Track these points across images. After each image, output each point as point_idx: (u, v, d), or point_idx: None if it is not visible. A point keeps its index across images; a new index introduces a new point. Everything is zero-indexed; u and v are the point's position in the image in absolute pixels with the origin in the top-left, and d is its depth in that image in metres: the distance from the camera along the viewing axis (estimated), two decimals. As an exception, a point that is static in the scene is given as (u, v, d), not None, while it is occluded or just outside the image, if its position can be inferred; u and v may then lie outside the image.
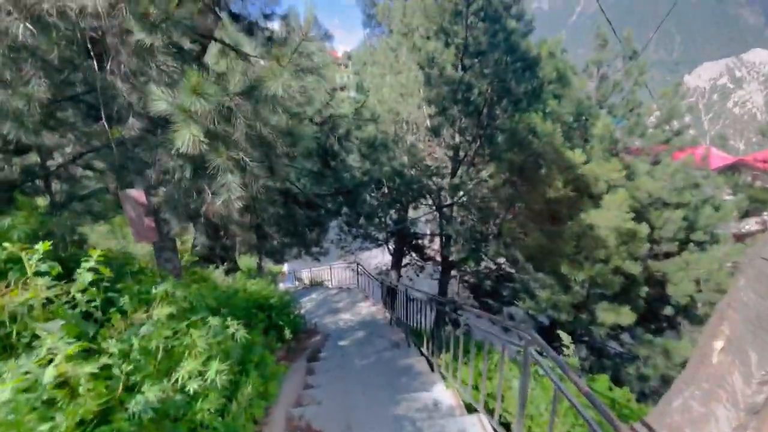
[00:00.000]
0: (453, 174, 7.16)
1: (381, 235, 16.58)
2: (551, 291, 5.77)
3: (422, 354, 5.71)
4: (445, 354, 5.10)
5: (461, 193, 6.38)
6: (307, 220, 5.19)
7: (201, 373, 2.05)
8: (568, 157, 5.07)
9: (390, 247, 14.87)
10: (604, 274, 5.36)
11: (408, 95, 8.15)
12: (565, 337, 3.73)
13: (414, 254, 15.42)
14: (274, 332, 7.03)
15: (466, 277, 13.70)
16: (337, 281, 16.76)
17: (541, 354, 2.47)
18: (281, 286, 20.78)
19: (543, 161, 5.26)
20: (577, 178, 5.43)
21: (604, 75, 7.64)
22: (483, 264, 12.40)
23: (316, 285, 18.36)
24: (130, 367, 1.88)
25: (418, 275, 15.31)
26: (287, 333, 6.54)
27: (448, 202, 7.60)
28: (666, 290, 7.28)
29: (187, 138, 1.99)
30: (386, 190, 7.53)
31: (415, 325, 6.89)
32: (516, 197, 5.68)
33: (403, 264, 14.15)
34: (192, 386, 1.85)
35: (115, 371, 1.74)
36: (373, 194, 7.01)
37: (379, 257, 18.74)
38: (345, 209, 5.27)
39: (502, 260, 12.02)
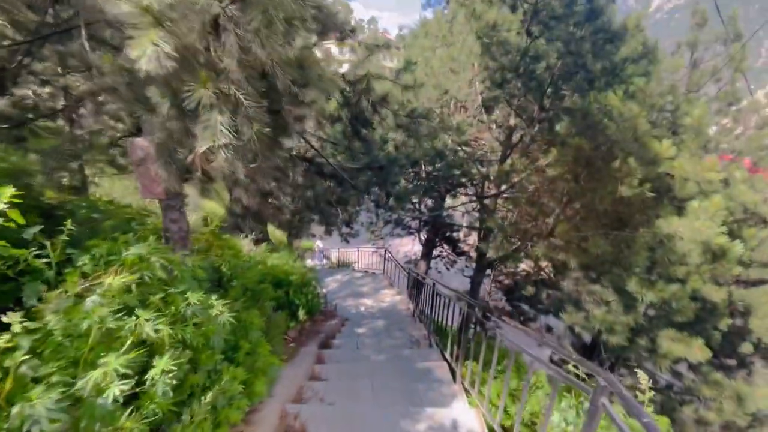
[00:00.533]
0: (502, 160, 6.28)
1: (414, 223, 15.90)
2: (607, 309, 4.85)
3: (444, 358, 5.06)
4: (471, 363, 4.43)
5: (511, 182, 5.54)
6: (330, 194, 4.62)
7: (144, 371, 1.53)
8: (654, 147, 4.08)
9: (422, 236, 14.17)
10: (681, 298, 4.37)
11: (460, 69, 7.27)
12: (644, 380, 2.92)
13: (446, 246, 14.63)
14: (289, 311, 6.66)
15: (501, 278, 12.74)
16: (364, 265, 16.36)
17: (613, 396, 1.73)
18: (309, 262, 20.84)
19: (618, 151, 4.30)
20: (658, 177, 4.43)
21: (698, 60, 6.34)
22: (521, 265, 11.42)
23: (343, 266, 18.11)
24: (47, 352, 1.38)
25: (448, 269, 14.53)
26: (301, 313, 6.12)
27: (493, 192, 6.72)
28: (747, 323, 6.07)
29: (149, 50, 1.44)
30: (424, 173, 6.80)
31: (439, 320, 6.24)
32: (577, 193, 4.77)
33: (433, 255, 13.43)
34: (112, 391, 1.31)
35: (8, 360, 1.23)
36: (408, 175, 6.30)
37: (409, 246, 18.11)
38: (374, 188, 4.62)
39: (544, 263, 10.98)
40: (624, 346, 5.10)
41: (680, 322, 4.73)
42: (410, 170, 6.45)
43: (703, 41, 6.20)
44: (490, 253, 5.49)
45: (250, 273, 5.30)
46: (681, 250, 4.31)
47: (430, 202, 8.21)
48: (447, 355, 5.05)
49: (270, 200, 12.98)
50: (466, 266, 14.47)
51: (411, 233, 15.66)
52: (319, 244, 22.76)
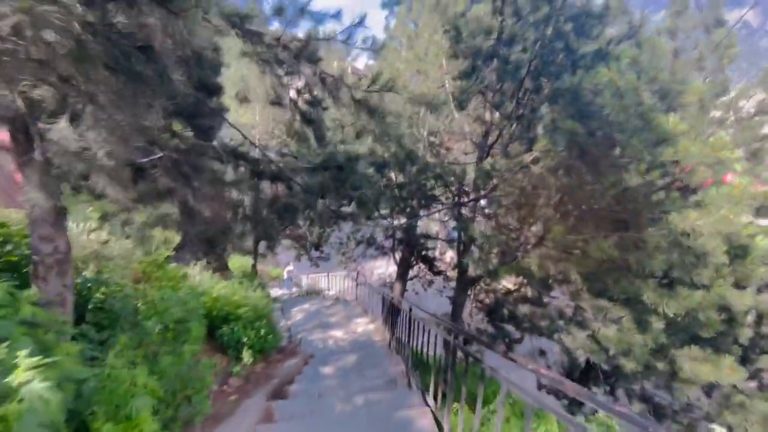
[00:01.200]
0: (480, 160, 5.54)
1: (387, 242, 14.93)
2: (618, 327, 4.03)
3: (426, 402, 4.01)
4: (461, 408, 3.43)
5: (491, 184, 4.77)
6: (273, 201, 3.62)
7: None
8: (661, 124, 3.41)
9: (396, 256, 13.21)
10: (707, 307, 3.61)
11: (427, 70, 6.61)
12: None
13: (422, 266, 13.71)
14: (234, 352, 5.42)
15: (481, 296, 11.86)
16: (336, 290, 15.09)
17: None
18: (275, 291, 19.19)
19: (618, 134, 3.60)
20: (662, 164, 3.75)
21: (678, 49, 6.01)
22: (501, 282, 10.62)
23: (312, 294, 16.72)
24: None
25: (425, 289, 13.54)
26: (247, 355, 4.90)
27: (471, 197, 5.92)
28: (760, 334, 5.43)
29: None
30: (394, 183, 5.94)
31: (419, 349, 5.23)
32: (572, 188, 4.01)
33: (409, 276, 12.44)
34: None
35: None
36: (373, 182, 5.43)
37: (383, 267, 17.07)
38: (331, 193, 3.67)
39: (524, 279, 10.24)
40: (638, 372, 4.27)
41: (704, 337, 3.96)
42: (377, 174, 5.56)
43: (683, 28, 5.90)
44: (471, 269, 4.58)
45: (172, 309, 4.11)
46: (701, 249, 3.58)
47: (399, 213, 7.32)
48: (429, 398, 4.00)
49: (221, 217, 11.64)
50: (444, 286, 13.56)
51: (385, 253, 14.66)
52: (289, 269, 21.27)
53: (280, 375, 5.13)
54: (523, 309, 10.23)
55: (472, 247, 5.96)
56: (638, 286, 3.72)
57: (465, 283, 6.95)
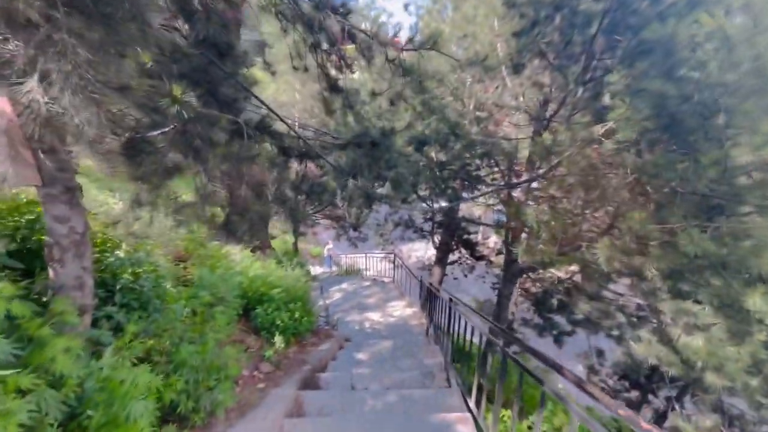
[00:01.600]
0: (537, 132, 4.80)
1: (426, 225, 14.43)
2: (707, 336, 3.33)
3: (467, 407, 3.60)
4: (510, 416, 2.99)
5: (552, 160, 4.07)
6: (300, 181, 3.27)
7: None
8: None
9: (436, 239, 12.70)
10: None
11: (476, 32, 5.85)
12: None
13: (464, 251, 13.11)
14: (267, 334, 5.32)
15: (527, 284, 11.12)
16: (374, 271, 14.93)
17: None
18: (314, 269, 19.49)
19: (725, 98, 2.81)
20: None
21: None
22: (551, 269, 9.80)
23: (351, 273, 16.75)
24: None
25: (466, 276, 12.98)
26: (279, 340, 4.74)
27: (524, 177, 5.21)
28: None
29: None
30: (434, 155, 5.38)
31: (459, 341, 4.82)
32: (657, 166, 3.26)
33: (449, 261, 11.92)
34: None
35: None
36: (411, 157, 4.87)
37: (422, 250, 16.63)
38: (365, 172, 3.25)
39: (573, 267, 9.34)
40: (726, 388, 3.55)
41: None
42: (416, 152, 5.03)
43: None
44: (524, 258, 3.98)
45: (201, 292, 3.99)
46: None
47: (441, 194, 6.71)
48: (471, 402, 3.59)
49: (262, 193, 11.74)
50: (486, 272, 12.90)
51: (423, 236, 14.20)
52: (329, 248, 21.52)
53: (312, 361, 4.96)
54: (576, 300, 9.39)
55: (523, 234, 5.31)
56: (739, 290, 2.98)
57: (513, 273, 6.32)
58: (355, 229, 16.69)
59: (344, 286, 12.91)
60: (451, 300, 4.72)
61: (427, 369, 5.10)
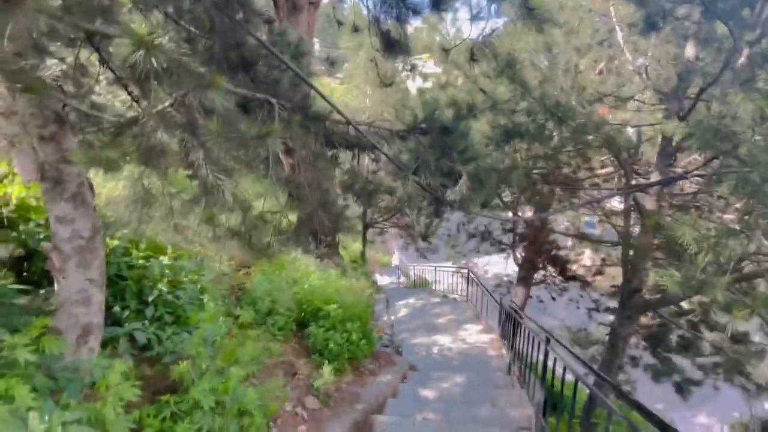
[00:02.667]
0: (676, 115, 3.41)
1: (505, 238, 12.89)
2: None
3: None
4: None
5: (708, 149, 2.73)
6: (348, 178, 2.52)
7: None
8: None
9: (518, 254, 11.16)
10: None
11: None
12: None
13: (551, 268, 11.33)
14: (320, 357, 4.66)
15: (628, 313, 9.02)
16: (444, 286, 13.69)
17: None
18: (382, 279, 18.90)
19: None
20: None
21: None
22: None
23: (419, 286, 15.75)
24: None
25: (554, 299, 11.17)
26: (327, 370, 4.00)
27: (653, 178, 3.76)
28: None
29: None
30: (525, 149, 4.22)
31: (554, 385, 3.61)
32: None
33: (534, 280, 10.33)
34: None
35: None
36: (494, 147, 3.79)
37: (499, 265, 14.96)
38: (432, 164, 2.38)
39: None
40: None
41: None
42: (501, 142, 3.92)
43: None
44: (676, 289, 2.63)
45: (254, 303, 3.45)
46: None
47: (529, 211, 5.37)
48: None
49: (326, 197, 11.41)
50: (581, 295, 10.94)
51: (502, 250, 12.68)
52: (397, 259, 20.88)
53: (368, 397, 4.15)
54: (710, 337, 7.25)
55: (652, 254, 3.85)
56: None
57: (634, 307, 4.76)
58: (424, 239, 15.76)
59: (411, 300, 11.98)
60: (548, 340, 3.54)
61: (513, 424, 3.95)
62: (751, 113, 2.38)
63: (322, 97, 2.38)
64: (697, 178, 3.40)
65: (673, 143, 3.64)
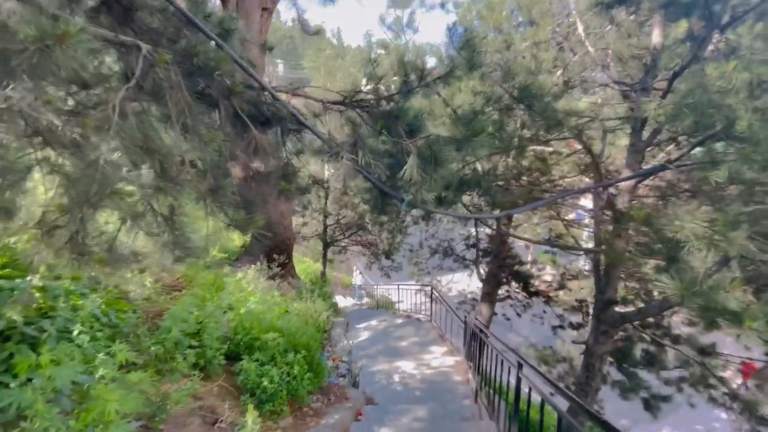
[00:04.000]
0: (663, 95, 3.08)
1: (468, 254, 12.60)
2: None
3: None
4: None
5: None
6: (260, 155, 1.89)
7: None
8: None
9: (482, 270, 10.83)
10: None
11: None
12: None
13: (514, 284, 11.09)
14: (252, 399, 3.81)
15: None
16: (408, 306, 13.04)
17: None
18: (344, 300, 17.91)
19: None
20: None
21: None
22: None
23: (382, 307, 14.97)
24: None
25: (519, 315, 10.88)
26: (251, 419, 3.19)
27: (624, 174, 3.39)
28: None
29: None
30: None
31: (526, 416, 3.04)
32: None
33: (499, 297, 9.99)
34: None
35: None
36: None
37: (463, 282, 14.61)
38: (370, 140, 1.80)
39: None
40: None
41: None
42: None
43: None
44: (675, 296, 2.18)
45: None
46: None
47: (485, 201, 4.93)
48: None
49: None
50: (544, 312, 10.72)
51: (465, 266, 12.35)
52: (359, 278, 20.00)
53: (309, 445, 3.36)
54: (679, 350, 7.07)
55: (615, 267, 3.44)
56: None
57: (610, 322, 4.37)
58: (387, 257, 15.15)
59: (374, 322, 11.21)
60: (520, 366, 2.99)
61: (482, 469, 3.32)
62: (747, 83, 2.07)
63: (227, 52, 1.76)
64: (676, 168, 3.13)
65: (644, 137, 3.39)
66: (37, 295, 2.85)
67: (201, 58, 1.65)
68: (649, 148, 3.75)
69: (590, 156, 3.75)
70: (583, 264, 14.00)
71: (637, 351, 8.29)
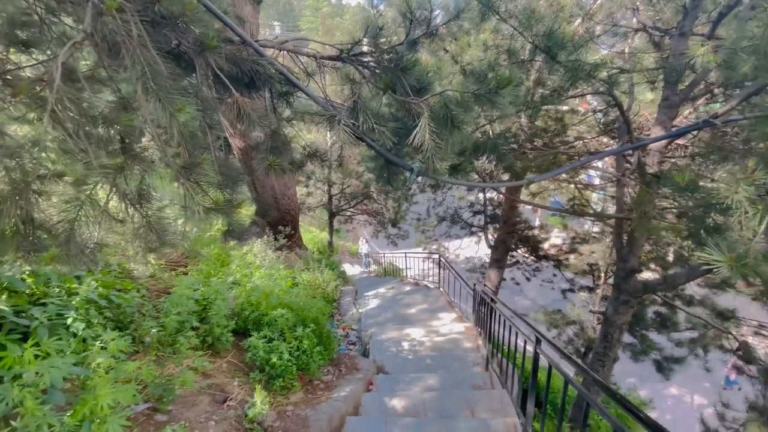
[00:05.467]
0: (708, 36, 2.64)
1: (476, 220, 12.39)
2: None
3: None
4: None
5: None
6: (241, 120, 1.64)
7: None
8: None
9: (490, 237, 10.66)
10: None
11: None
12: None
13: (523, 249, 10.94)
14: (262, 374, 3.78)
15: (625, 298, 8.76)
16: (415, 273, 13.05)
17: None
18: (352, 269, 18.02)
19: None
20: None
21: None
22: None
23: (390, 274, 15.03)
24: None
25: (528, 279, 10.81)
26: (260, 398, 3.13)
27: (655, 133, 3.03)
28: None
29: None
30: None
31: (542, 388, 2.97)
32: None
33: (508, 262, 9.86)
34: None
35: None
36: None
37: (470, 248, 14.50)
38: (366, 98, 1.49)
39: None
40: None
41: None
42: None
43: None
44: (723, 270, 1.97)
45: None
46: None
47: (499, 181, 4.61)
48: None
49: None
50: (554, 275, 10.63)
51: (473, 232, 12.18)
52: (364, 247, 20.02)
53: (319, 422, 3.33)
54: (696, 313, 6.95)
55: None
56: None
57: (631, 291, 4.17)
58: (393, 225, 15.01)
59: (382, 290, 11.24)
60: (539, 341, 2.84)
61: (495, 438, 3.29)
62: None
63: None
64: (724, 123, 2.77)
65: (683, 83, 3.00)
66: (29, 281, 2.72)
67: (164, 4, 1.36)
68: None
69: (620, 113, 3.38)
70: (590, 227, 13.75)
71: (649, 313, 8.24)
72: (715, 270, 1.64)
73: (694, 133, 3.48)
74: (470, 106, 1.45)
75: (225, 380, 3.57)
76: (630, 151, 3.35)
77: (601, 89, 3.09)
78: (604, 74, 2.94)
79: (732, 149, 2.96)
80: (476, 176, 4.52)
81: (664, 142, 3.37)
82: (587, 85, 3.10)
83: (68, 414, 1.87)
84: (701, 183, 2.33)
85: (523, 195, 11.99)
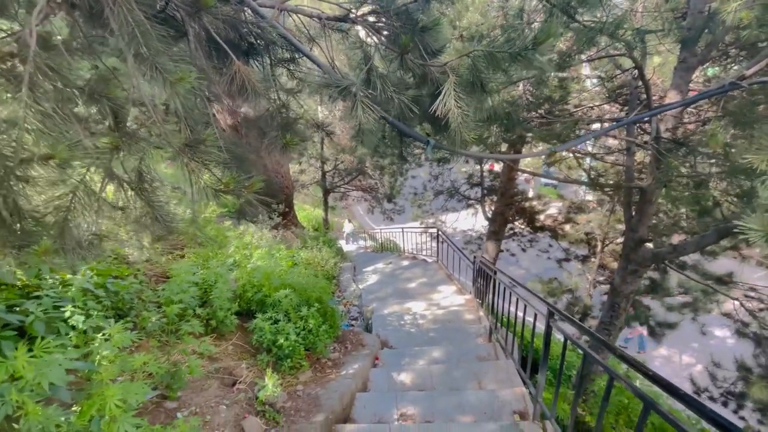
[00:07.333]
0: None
1: (473, 192, 12.30)
2: None
3: None
4: None
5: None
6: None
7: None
8: None
9: (487, 209, 10.62)
10: None
11: None
12: None
13: (520, 221, 10.95)
14: (269, 356, 3.75)
15: (633, 267, 8.95)
16: (412, 248, 13.06)
17: None
18: (346, 245, 18.01)
19: None
20: None
21: None
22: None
23: (388, 249, 15.04)
24: None
25: (524, 250, 10.91)
26: (271, 382, 3.09)
27: (673, 99, 2.92)
28: None
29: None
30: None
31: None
32: None
33: (506, 234, 9.89)
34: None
35: None
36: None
37: (466, 221, 14.52)
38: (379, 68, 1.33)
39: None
40: None
41: None
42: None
43: None
44: (760, 241, 1.90)
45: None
46: None
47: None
48: None
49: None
50: (550, 245, 10.73)
51: (469, 205, 12.14)
52: (348, 227, 19.94)
53: (331, 400, 3.34)
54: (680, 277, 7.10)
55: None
56: None
57: (641, 261, 4.15)
58: (389, 200, 14.88)
59: (380, 265, 11.26)
60: (551, 314, 2.83)
61: (506, 408, 3.34)
62: None
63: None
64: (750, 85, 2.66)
65: (708, 41, 2.82)
66: (18, 273, 2.57)
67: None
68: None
69: (640, 76, 3.21)
70: (583, 196, 13.79)
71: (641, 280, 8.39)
72: (751, 240, 1.57)
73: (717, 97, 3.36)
74: (501, 68, 1.31)
75: (232, 363, 3.53)
76: (647, 118, 3.24)
77: (615, 52, 2.93)
78: (629, 34, 2.75)
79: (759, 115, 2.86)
80: (478, 147, 4.36)
81: (680, 108, 3.27)
82: (606, 45, 2.91)
83: (75, 413, 1.79)
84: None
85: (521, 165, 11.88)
